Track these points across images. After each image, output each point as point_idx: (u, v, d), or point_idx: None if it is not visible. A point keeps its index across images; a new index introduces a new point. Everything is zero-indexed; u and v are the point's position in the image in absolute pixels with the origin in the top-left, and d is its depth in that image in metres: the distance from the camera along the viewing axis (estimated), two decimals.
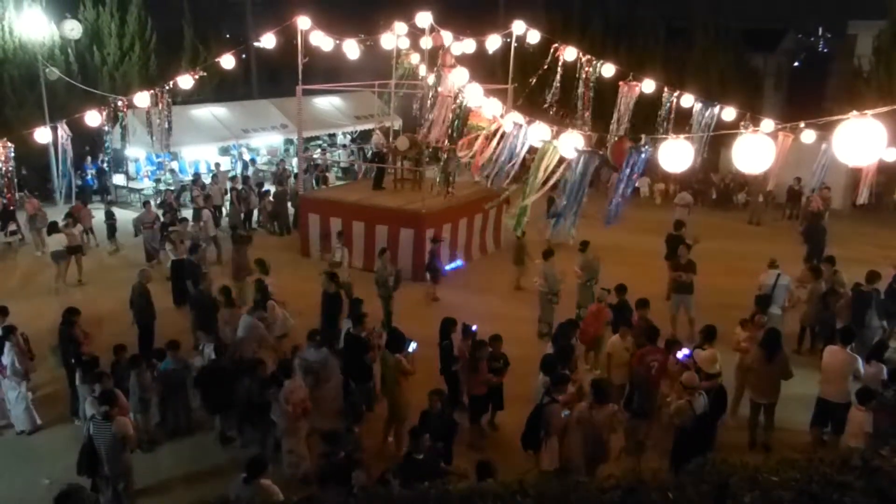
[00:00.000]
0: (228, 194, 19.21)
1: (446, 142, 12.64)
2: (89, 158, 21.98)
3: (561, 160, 8.90)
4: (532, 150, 9.71)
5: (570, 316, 11.07)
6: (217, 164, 22.07)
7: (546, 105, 15.75)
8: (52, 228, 14.59)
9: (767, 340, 8.91)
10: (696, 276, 12.19)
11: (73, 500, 5.44)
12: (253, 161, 24.39)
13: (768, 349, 8.82)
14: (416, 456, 6.74)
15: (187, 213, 17.54)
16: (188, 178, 21.57)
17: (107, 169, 21.95)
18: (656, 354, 8.74)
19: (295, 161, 22.16)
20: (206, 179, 20.23)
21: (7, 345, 8.92)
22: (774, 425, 9.05)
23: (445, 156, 12.91)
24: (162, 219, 15.96)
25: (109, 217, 17.53)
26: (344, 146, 27.39)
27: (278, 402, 8.02)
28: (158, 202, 18.91)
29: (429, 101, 13.46)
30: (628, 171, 8.65)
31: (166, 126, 13.90)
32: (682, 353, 8.61)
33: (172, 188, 20.67)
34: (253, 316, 9.94)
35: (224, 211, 19.30)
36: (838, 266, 12.17)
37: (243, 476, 6.33)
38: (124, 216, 20.53)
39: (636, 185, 8.84)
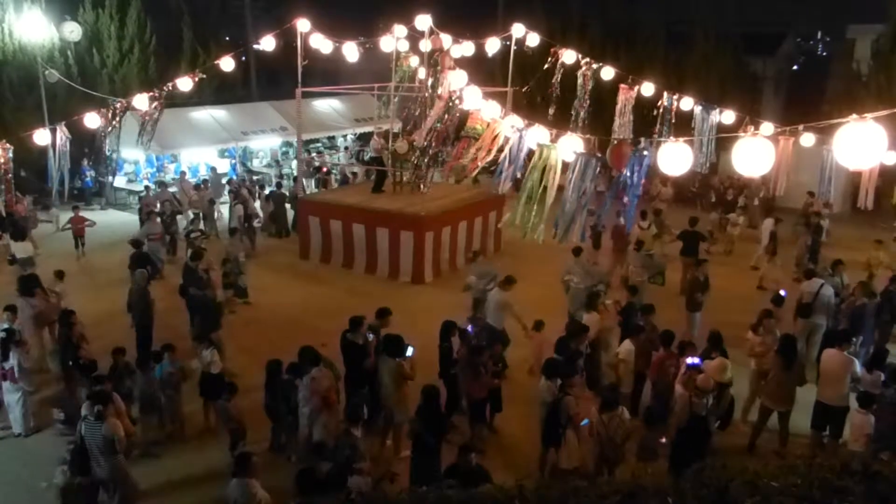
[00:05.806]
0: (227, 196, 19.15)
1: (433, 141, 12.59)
2: (85, 161, 21.91)
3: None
4: (532, 154, 9.68)
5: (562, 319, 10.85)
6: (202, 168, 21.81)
7: (546, 106, 15.75)
8: (20, 235, 14.14)
9: (785, 348, 8.73)
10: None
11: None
12: (243, 164, 24.02)
13: (786, 356, 8.66)
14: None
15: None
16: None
17: (116, 169, 21.86)
18: (673, 360, 8.68)
19: (294, 164, 22.08)
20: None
21: (12, 347, 8.88)
22: (789, 433, 8.79)
23: (420, 154, 12.85)
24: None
25: None
26: (346, 148, 27.36)
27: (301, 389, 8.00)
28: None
29: (419, 104, 13.36)
30: (630, 175, 8.63)
31: (150, 127, 13.61)
32: (691, 360, 8.54)
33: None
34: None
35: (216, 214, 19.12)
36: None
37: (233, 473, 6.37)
38: (122, 219, 20.57)
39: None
